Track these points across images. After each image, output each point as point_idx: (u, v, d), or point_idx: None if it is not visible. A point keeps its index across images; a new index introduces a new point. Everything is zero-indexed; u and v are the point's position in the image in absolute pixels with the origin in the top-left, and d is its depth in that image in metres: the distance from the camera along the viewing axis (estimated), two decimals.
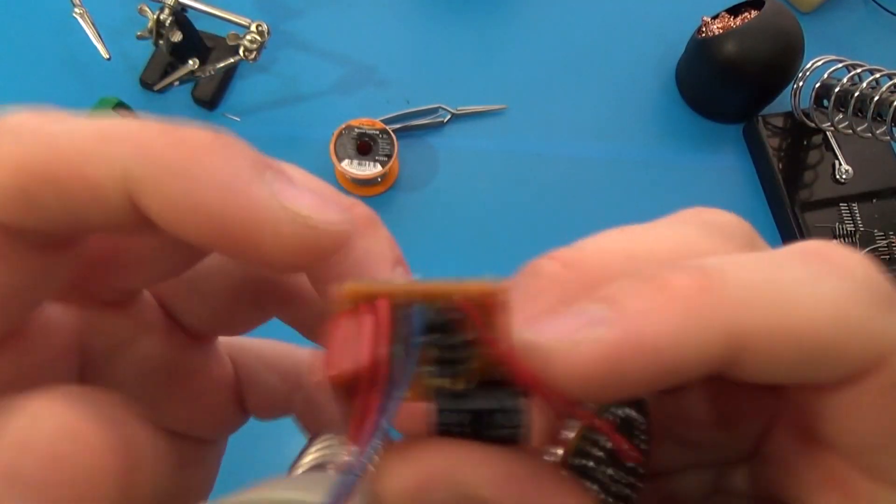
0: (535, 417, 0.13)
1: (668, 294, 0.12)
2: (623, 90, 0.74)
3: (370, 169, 0.63)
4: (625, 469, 0.16)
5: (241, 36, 0.62)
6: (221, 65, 0.64)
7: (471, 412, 0.13)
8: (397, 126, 0.67)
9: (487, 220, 0.67)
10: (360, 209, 0.16)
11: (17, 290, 0.13)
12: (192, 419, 0.20)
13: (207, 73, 0.65)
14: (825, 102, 0.64)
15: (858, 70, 0.63)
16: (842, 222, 0.67)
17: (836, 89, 0.63)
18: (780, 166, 0.69)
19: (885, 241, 0.67)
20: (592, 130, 0.72)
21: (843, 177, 0.69)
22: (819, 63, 0.65)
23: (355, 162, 0.63)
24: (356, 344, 0.12)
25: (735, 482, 0.17)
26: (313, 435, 0.21)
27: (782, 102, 0.71)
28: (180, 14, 0.63)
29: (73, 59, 0.69)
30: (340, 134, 0.64)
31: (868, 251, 0.66)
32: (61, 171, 0.12)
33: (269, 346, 0.22)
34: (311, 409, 0.22)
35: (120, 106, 0.61)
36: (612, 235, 0.15)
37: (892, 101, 0.59)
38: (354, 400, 0.12)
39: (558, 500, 0.13)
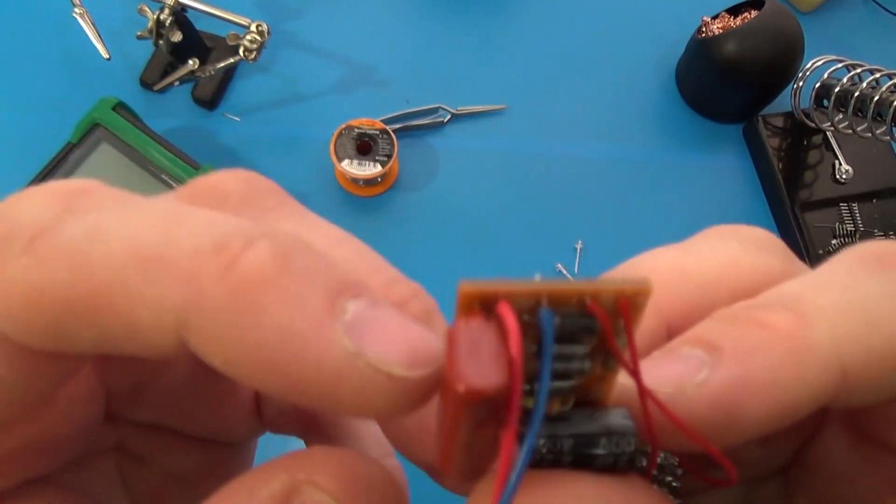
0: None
1: (767, 333, 0.12)
2: (623, 90, 0.74)
3: (370, 169, 0.63)
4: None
5: (241, 36, 0.62)
6: (221, 65, 0.64)
7: (573, 437, 0.12)
8: (397, 126, 0.67)
9: (487, 220, 0.67)
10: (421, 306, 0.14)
11: (37, 391, 0.12)
12: (215, 429, 0.19)
13: (207, 73, 0.65)
14: (825, 102, 0.64)
15: (858, 70, 0.63)
16: (842, 222, 0.67)
17: (836, 89, 0.63)
18: (780, 166, 0.69)
19: None
20: (592, 130, 0.72)
21: (843, 177, 0.69)
22: (819, 63, 0.65)
23: (355, 162, 0.63)
24: (487, 355, 0.10)
25: (767, 495, 0.17)
26: None
27: (782, 102, 0.71)
28: (180, 14, 0.63)
29: (73, 59, 0.69)
30: (340, 134, 0.64)
31: None
32: (100, 307, 0.10)
33: None
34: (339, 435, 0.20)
35: (120, 106, 0.61)
36: (659, 253, 0.15)
37: (892, 101, 0.59)
38: (481, 429, 0.11)
39: None
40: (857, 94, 0.61)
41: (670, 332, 0.14)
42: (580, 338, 0.11)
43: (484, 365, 0.10)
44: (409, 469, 0.16)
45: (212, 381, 0.18)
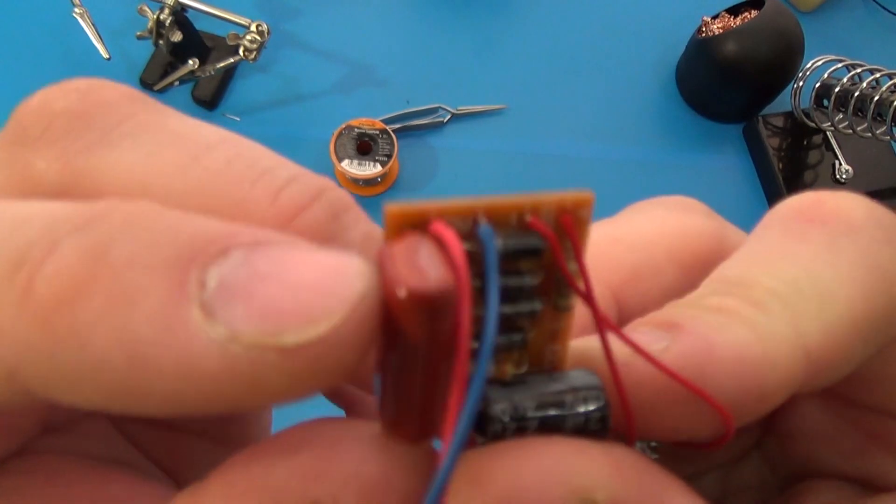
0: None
1: (726, 317, 0.12)
2: (623, 90, 0.74)
3: (370, 169, 0.63)
4: None
5: (241, 36, 0.62)
6: (221, 65, 0.64)
7: (536, 399, 0.10)
8: (397, 126, 0.67)
9: None
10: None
11: None
12: None
13: (207, 73, 0.65)
14: (825, 102, 0.64)
15: (858, 70, 0.63)
16: None
17: (836, 89, 0.63)
18: (781, 166, 0.69)
19: None
20: (593, 130, 0.72)
21: (844, 177, 0.69)
22: (819, 63, 0.65)
23: (355, 162, 0.63)
24: (427, 261, 0.09)
25: (744, 477, 0.17)
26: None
27: (782, 102, 0.71)
28: (180, 14, 0.63)
29: (73, 59, 0.69)
30: (340, 134, 0.64)
31: None
32: None
33: None
34: None
35: None
36: (595, 227, 0.14)
37: (892, 101, 0.59)
38: (431, 352, 0.09)
39: (678, 501, 0.11)
40: (857, 94, 0.61)
41: (620, 306, 0.15)
42: (525, 266, 0.10)
43: (424, 269, 0.09)
44: None
45: None
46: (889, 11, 0.79)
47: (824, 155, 0.70)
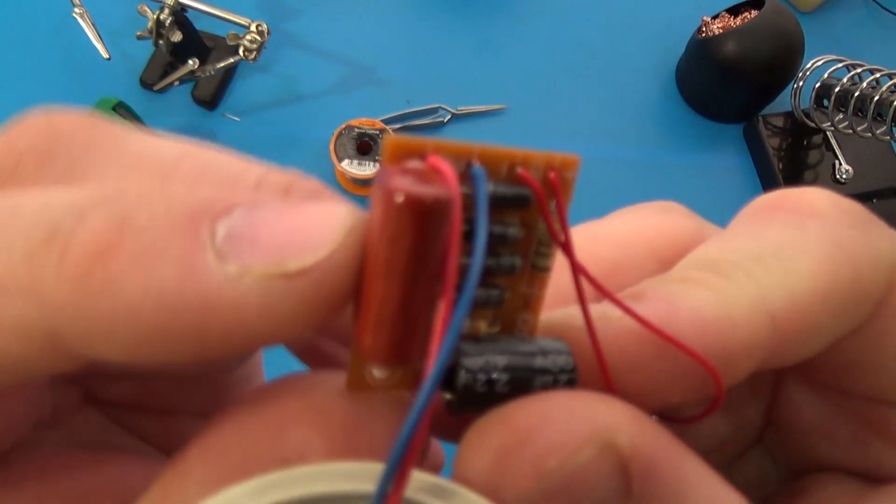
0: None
1: (690, 286, 0.12)
2: (623, 90, 0.74)
3: (370, 169, 0.63)
4: None
5: (241, 36, 0.62)
6: (221, 65, 0.64)
7: (507, 354, 0.11)
8: (397, 126, 0.67)
9: None
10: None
11: None
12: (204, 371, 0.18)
13: (207, 73, 0.65)
14: (825, 102, 0.64)
15: (858, 70, 0.63)
16: None
17: (836, 89, 0.63)
18: (781, 166, 0.69)
19: None
20: (592, 130, 0.72)
21: (844, 177, 0.69)
22: (819, 63, 0.65)
23: (355, 162, 0.63)
24: (423, 177, 0.09)
25: (746, 473, 0.17)
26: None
27: (782, 102, 0.71)
28: (180, 14, 0.63)
29: (73, 59, 0.69)
30: (340, 134, 0.64)
31: None
32: None
33: None
34: None
35: (120, 106, 0.61)
36: (576, 229, 0.15)
37: (892, 101, 0.59)
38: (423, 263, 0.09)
39: (682, 452, 0.11)
40: (857, 93, 0.61)
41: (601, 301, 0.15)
42: (510, 220, 0.11)
43: (420, 181, 0.09)
44: None
45: None
46: (889, 11, 0.79)
47: (824, 155, 0.70)
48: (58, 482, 0.12)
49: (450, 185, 0.09)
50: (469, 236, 0.10)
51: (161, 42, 0.64)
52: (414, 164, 0.10)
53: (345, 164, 0.63)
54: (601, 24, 0.76)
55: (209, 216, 0.09)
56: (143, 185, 0.10)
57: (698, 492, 0.10)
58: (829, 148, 0.70)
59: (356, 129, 0.64)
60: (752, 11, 0.68)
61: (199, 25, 0.66)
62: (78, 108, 0.12)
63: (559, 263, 0.12)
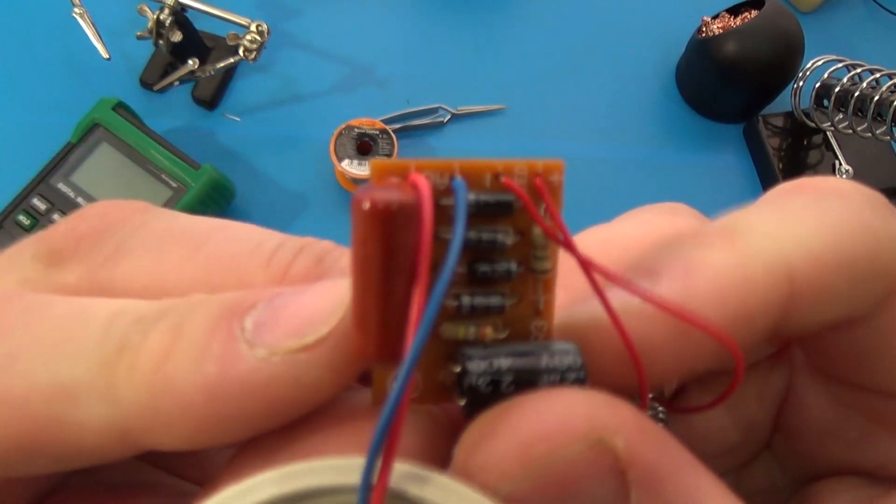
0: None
1: (706, 250, 0.12)
2: (623, 90, 0.74)
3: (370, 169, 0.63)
4: None
5: (241, 36, 0.62)
6: (221, 65, 0.64)
7: (511, 355, 0.11)
8: (397, 126, 0.67)
9: None
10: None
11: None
12: None
13: (207, 73, 0.65)
14: (825, 102, 0.64)
15: (858, 70, 0.63)
16: None
17: (836, 89, 0.63)
18: (781, 166, 0.69)
19: None
20: (592, 130, 0.72)
21: (844, 177, 0.69)
22: (819, 63, 0.65)
23: (355, 162, 0.63)
24: (397, 187, 0.10)
25: (756, 480, 0.17)
26: None
27: (782, 102, 0.71)
28: (180, 14, 0.63)
29: (73, 59, 0.69)
30: (340, 134, 0.64)
31: None
32: (41, 441, 0.11)
33: None
34: None
35: (120, 106, 0.61)
36: (586, 233, 0.15)
37: (892, 101, 0.59)
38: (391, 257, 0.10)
39: (689, 463, 0.11)
40: (857, 93, 0.61)
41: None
42: (500, 227, 0.11)
43: (391, 192, 0.10)
44: None
45: None
46: (889, 11, 0.79)
47: (824, 155, 0.70)
48: None
49: (420, 192, 0.10)
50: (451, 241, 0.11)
51: (161, 42, 0.64)
52: (393, 181, 0.11)
53: (345, 164, 0.63)
54: (601, 24, 0.76)
55: (238, 314, 0.11)
56: (193, 297, 0.12)
57: None
58: (829, 148, 0.70)
59: (356, 129, 0.64)
60: (752, 11, 0.68)
61: (199, 25, 0.66)
62: (132, 201, 0.14)
63: (569, 266, 0.12)
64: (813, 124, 0.68)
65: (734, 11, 0.70)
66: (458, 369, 0.11)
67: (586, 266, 0.11)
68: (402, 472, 0.10)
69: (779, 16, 0.67)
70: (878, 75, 0.62)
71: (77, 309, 0.12)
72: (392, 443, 0.09)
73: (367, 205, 0.10)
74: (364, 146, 0.64)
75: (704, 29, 0.70)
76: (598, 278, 0.11)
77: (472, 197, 0.11)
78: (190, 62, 0.64)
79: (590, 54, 0.75)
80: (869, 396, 0.14)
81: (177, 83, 0.65)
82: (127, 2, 0.67)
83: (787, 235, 0.12)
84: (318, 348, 0.11)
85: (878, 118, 0.61)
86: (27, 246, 0.14)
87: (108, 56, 0.61)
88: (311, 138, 0.67)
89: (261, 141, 0.67)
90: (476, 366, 0.11)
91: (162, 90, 0.66)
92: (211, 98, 0.67)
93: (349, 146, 0.63)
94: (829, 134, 0.70)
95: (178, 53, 0.65)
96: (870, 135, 0.62)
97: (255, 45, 0.62)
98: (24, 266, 0.14)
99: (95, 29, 0.62)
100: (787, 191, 0.14)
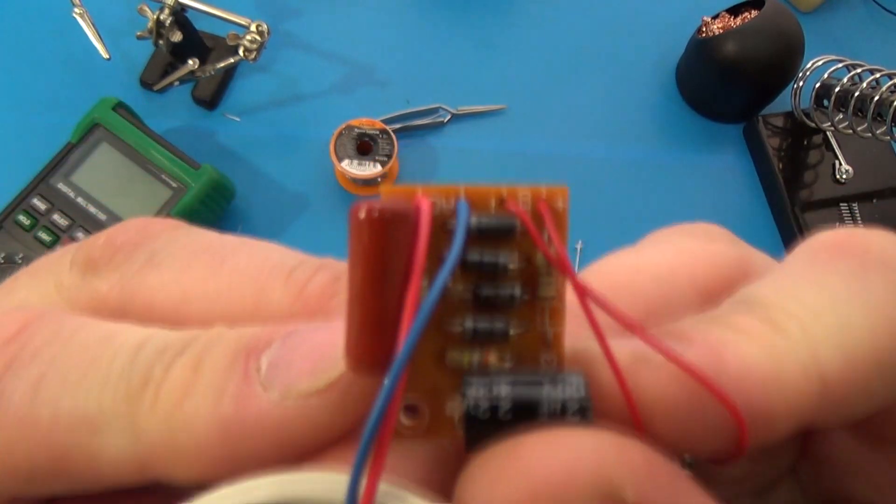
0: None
1: (739, 335, 0.11)
2: (623, 90, 0.74)
3: (370, 169, 0.63)
4: None
5: (241, 36, 0.62)
6: (221, 65, 0.64)
7: (511, 382, 0.11)
8: (397, 126, 0.67)
9: None
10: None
11: None
12: None
13: (207, 73, 0.65)
14: (825, 102, 0.64)
15: (858, 70, 0.63)
16: (842, 222, 0.67)
17: (837, 89, 0.63)
18: (781, 166, 0.69)
19: None
20: (592, 130, 0.72)
21: (844, 177, 0.69)
22: (819, 63, 0.65)
23: (355, 162, 0.63)
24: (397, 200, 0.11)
25: (779, 502, 0.17)
26: None
27: (782, 102, 0.71)
28: (180, 14, 0.63)
29: (73, 59, 0.69)
30: (340, 134, 0.64)
31: None
32: (62, 467, 0.11)
33: None
34: None
35: (120, 106, 0.61)
36: (612, 258, 0.15)
37: (892, 101, 0.59)
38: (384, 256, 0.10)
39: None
40: (857, 94, 0.61)
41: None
42: (504, 251, 0.11)
43: (389, 202, 0.10)
44: None
45: None
46: (889, 11, 0.79)
47: (824, 155, 0.70)
48: None
49: (420, 207, 0.10)
50: (463, 265, 0.11)
51: (161, 42, 0.64)
52: (398, 198, 0.11)
53: (345, 164, 0.63)
54: (601, 24, 0.76)
55: (255, 353, 0.11)
56: (214, 331, 0.12)
57: None
58: (829, 148, 0.70)
59: (356, 129, 0.64)
60: (752, 11, 0.68)
61: (199, 25, 0.66)
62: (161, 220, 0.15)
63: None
64: (813, 124, 0.68)
65: (734, 11, 0.70)
66: (459, 397, 0.11)
67: (582, 293, 0.11)
68: (390, 492, 0.10)
69: (779, 16, 0.67)
70: (878, 75, 0.62)
71: (105, 334, 0.12)
72: (379, 457, 0.09)
73: (362, 213, 0.10)
74: (364, 146, 0.64)
75: (704, 29, 0.70)
76: (620, 314, 0.11)
77: (474, 219, 0.11)
78: (190, 62, 0.64)
79: (590, 54, 0.75)
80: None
81: (177, 83, 0.65)
82: (127, 2, 0.67)
83: (826, 331, 0.11)
84: (329, 392, 0.11)
85: (878, 118, 0.61)
86: (67, 252, 0.15)
87: (108, 56, 0.61)
88: (311, 138, 0.67)
89: (261, 141, 0.67)
90: (474, 391, 0.11)
91: (162, 90, 0.66)
92: (211, 98, 0.68)
93: (349, 146, 0.63)
94: (829, 134, 0.70)
95: (178, 53, 0.65)
96: (870, 135, 0.62)
97: (255, 45, 0.62)
98: (62, 271, 0.14)
99: (95, 29, 0.62)
100: (829, 253, 0.13)
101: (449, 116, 0.70)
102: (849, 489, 0.15)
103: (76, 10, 0.61)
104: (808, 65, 0.66)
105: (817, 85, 0.65)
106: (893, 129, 0.60)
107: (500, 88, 0.72)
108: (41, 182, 0.59)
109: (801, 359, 0.11)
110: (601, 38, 0.76)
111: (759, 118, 0.71)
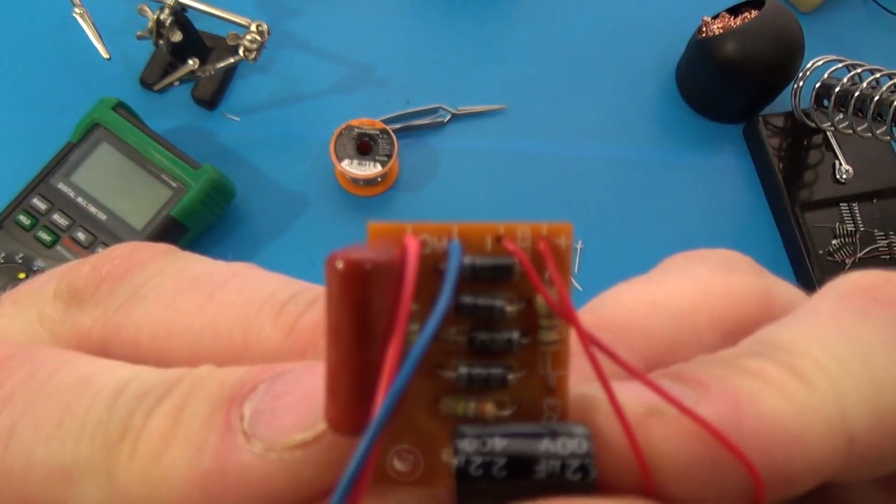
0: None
1: (761, 384, 0.10)
2: (623, 90, 0.74)
3: (370, 169, 0.63)
4: None
5: (241, 36, 0.62)
6: (221, 65, 0.64)
7: (508, 436, 0.10)
8: (397, 126, 0.67)
9: (487, 220, 0.67)
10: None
11: None
12: None
13: (207, 73, 0.65)
14: (825, 102, 0.64)
15: (858, 70, 0.63)
16: (842, 222, 0.67)
17: (837, 89, 0.63)
18: (781, 166, 0.69)
19: (885, 241, 0.67)
20: (592, 130, 0.72)
21: (844, 177, 0.69)
22: (819, 63, 0.65)
23: (355, 162, 0.63)
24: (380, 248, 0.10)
25: None
26: None
27: (782, 102, 0.71)
28: (180, 14, 0.63)
29: (73, 59, 0.69)
30: (340, 134, 0.64)
31: (868, 251, 0.66)
32: None
33: None
34: None
35: (120, 106, 0.61)
36: (625, 288, 0.14)
37: (892, 101, 0.59)
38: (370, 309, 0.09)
39: None
40: (857, 94, 0.61)
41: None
42: (501, 294, 0.10)
43: (371, 251, 0.09)
44: None
45: None
46: (889, 11, 0.79)
47: (824, 155, 0.70)
48: None
49: (406, 253, 0.10)
50: (458, 309, 0.10)
51: (161, 42, 0.64)
52: (384, 242, 0.10)
53: (345, 164, 0.63)
54: (601, 24, 0.76)
55: (238, 400, 0.11)
56: (197, 373, 0.12)
57: None
58: (829, 148, 0.70)
59: (356, 129, 0.64)
60: (752, 11, 0.68)
61: (199, 25, 0.66)
62: (154, 246, 0.14)
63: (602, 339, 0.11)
64: (813, 124, 0.68)
65: (734, 11, 0.70)
66: (451, 450, 0.10)
67: (586, 341, 0.10)
68: None
69: (779, 16, 0.67)
70: (878, 75, 0.62)
71: (84, 375, 0.11)
72: None
73: (339, 264, 0.09)
74: (364, 146, 0.64)
75: (704, 29, 0.70)
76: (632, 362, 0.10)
77: (468, 260, 0.10)
78: (190, 62, 0.64)
79: (589, 54, 0.75)
80: None
81: (177, 83, 0.65)
82: (127, 2, 0.67)
83: (855, 385, 0.11)
84: (315, 445, 0.10)
85: (878, 118, 0.61)
86: (51, 281, 0.14)
87: (108, 56, 0.61)
88: (311, 138, 0.67)
89: (261, 141, 0.67)
90: (467, 445, 0.10)
91: (162, 90, 0.66)
92: (211, 98, 0.68)
93: (349, 146, 0.63)
94: (829, 134, 0.70)
95: (178, 53, 0.65)
96: (870, 135, 0.62)
97: (255, 45, 0.62)
98: (45, 302, 0.14)
99: (95, 29, 0.62)
100: (862, 299, 0.12)
101: (449, 116, 0.70)
102: None
103: (76, 10, 0.61)
104: (809, 65, 0.66)
105: (817, 85, 0.65)
106: (893, 129, 0.60)
107: (499, 88, 0.72)
108: (41, 182, 0.59)
109: (827, 416, 0.10)
110: (601, 38, 0.76)
111: (759, 118, 0.71)
